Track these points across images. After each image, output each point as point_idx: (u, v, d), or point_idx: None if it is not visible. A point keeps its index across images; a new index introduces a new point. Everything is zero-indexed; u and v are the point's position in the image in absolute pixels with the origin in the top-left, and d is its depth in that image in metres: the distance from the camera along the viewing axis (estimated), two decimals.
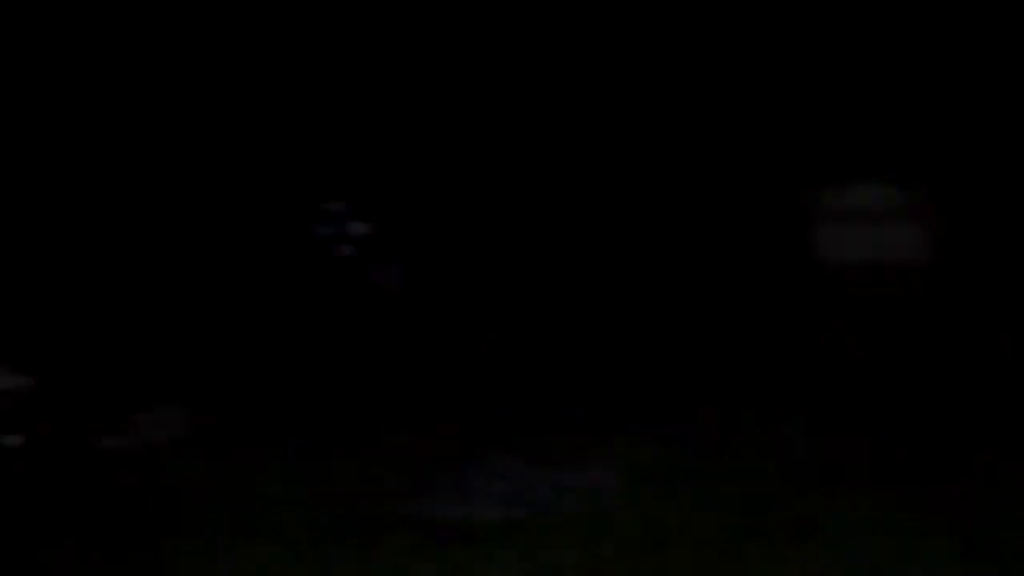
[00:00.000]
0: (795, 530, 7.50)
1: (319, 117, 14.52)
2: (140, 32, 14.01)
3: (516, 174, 14.62)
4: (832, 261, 13.67)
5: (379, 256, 13.72)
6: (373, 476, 8.88)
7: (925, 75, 13.69)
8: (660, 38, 14.36)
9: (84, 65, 13.81)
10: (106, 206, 13.72)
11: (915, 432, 9.51)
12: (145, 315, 12.43)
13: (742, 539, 7.44)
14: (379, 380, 11.46)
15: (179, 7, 14.02)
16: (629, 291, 13.50)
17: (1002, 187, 13.44)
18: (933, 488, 8.16)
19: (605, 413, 10.10)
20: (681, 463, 8.87)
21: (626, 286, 13.54)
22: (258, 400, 10.96)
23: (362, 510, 8.22)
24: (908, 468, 8.61)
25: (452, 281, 13.62)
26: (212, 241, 13.74)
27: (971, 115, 13.55)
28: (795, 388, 10.80)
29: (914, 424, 9.75)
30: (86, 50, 13.81)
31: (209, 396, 10.80)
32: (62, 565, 7.72)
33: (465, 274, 13.74)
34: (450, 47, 14.61)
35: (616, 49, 14.48)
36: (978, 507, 7.79)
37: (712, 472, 8.66)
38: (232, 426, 10.27)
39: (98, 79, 13.86)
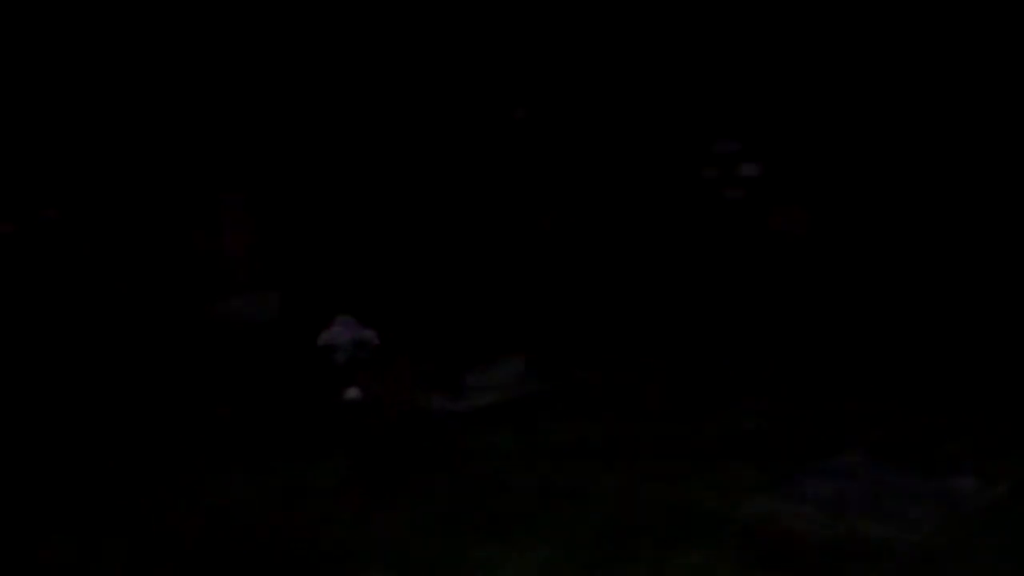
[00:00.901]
0: None
1: (703, 47, 13.19)
2: None
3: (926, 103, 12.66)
4: None
5: (774, 200, 12.24)
6: (698, 466, 7.61)
7: None
8: None
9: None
10: (449, 154, 13.12)
11: None
12: (495, 266, 11.64)
13: None
14: (757, 342, 10.07)
15: None
16: None
17: None
18: None
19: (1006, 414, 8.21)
20: None
21: None
22: (608, 362, 9.85)
23: (670, 508, 7.01)
24: None
25: (859, 230, 11.92)
26: (586, 183, 12.78)
27: None
28: None
29: None
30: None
31: (556, 356, 9.82)
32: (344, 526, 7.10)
33: (874, 222, 11.99)
34: None
35: None
36: None
37: None
38: (567, 391, 9.25)
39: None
